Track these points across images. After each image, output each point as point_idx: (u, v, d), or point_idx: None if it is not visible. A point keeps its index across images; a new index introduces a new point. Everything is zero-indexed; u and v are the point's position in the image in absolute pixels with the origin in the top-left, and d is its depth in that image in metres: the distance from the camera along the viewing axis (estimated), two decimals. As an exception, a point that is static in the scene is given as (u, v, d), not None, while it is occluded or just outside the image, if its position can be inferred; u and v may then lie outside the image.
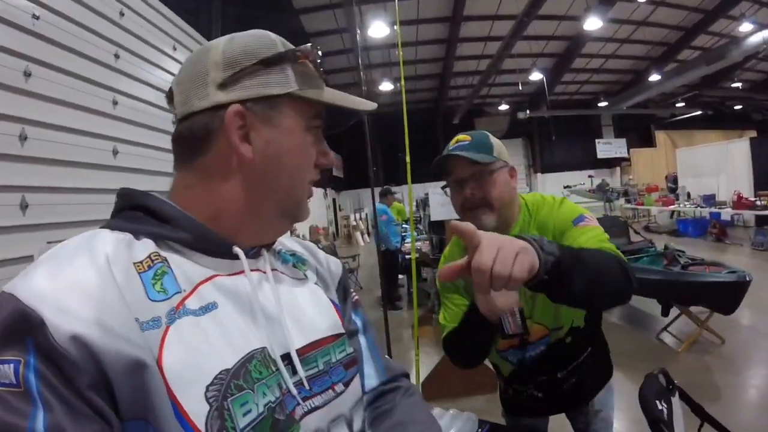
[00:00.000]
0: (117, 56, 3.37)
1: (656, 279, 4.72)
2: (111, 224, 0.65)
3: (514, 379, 1.71)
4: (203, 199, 0.69)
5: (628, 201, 17.11)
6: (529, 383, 1.67)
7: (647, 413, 1.44)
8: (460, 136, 1.49)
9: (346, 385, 0.77)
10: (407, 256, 7.76)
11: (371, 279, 9.68)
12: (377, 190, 6.29)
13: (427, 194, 4.72)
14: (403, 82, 3.37)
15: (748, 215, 11.67)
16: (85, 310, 0.52)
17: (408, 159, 3.52)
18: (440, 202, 4.50)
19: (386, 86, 17.60)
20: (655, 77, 17.63)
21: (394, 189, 9.11)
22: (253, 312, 0.67)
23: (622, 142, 25.20)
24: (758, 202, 11.02)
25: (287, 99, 0.70)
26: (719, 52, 14.63)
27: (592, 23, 12.77)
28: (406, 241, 8.42)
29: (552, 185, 23.24)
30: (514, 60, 16.94)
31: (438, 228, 5.33)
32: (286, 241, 0.90)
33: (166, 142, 0.77)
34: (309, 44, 0.73)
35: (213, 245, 0.68)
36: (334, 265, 0.96)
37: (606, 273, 1.16)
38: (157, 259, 0.62)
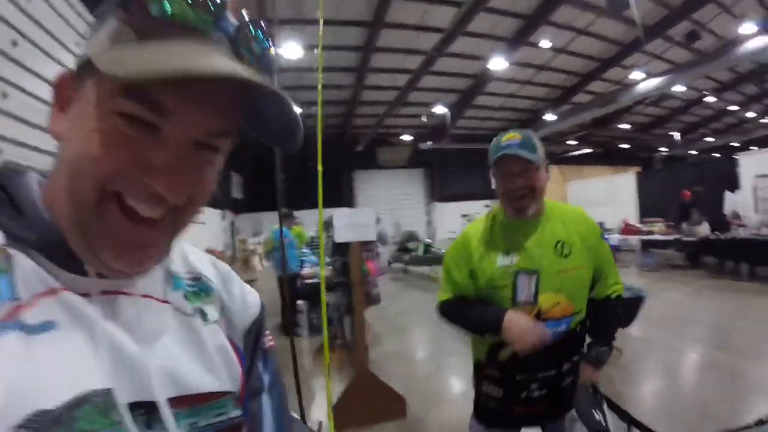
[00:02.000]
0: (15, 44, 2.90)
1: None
2: None
3: (514, 366, 1.74)
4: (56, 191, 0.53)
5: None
6: (534, 372, 1.75)
7: (589, 426, 1.62)
8: (511, 134, 1.75)
9: None
10: (306, 281, 7.58)
11: (269, 306, 9.16)
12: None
13: (331, 217, 4.57)
14: (320, 107, 3.26)
15: (635, 240, 12.89)
16: None
17: (320, 177, 3.42)
18: (346, 224, 4.34)
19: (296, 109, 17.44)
20: (551, 117, 18.89)
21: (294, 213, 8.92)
22: (104, 344, 0.51)
23: None
24: (643, 228, 12.56)
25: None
26: (610, 97, 16.11)
27: (497, 63, 13.44)
28: (304, 265, 8.27)
29: (450, 214, 24.03)
30: (420, 93, 17.41)
31: (343, 250, 5.17)
32: (192, 260, 0.70)
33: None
34: None
35: (61, 255, 0.52)
36: (251, 302, 0.75)
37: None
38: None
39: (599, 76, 18.29)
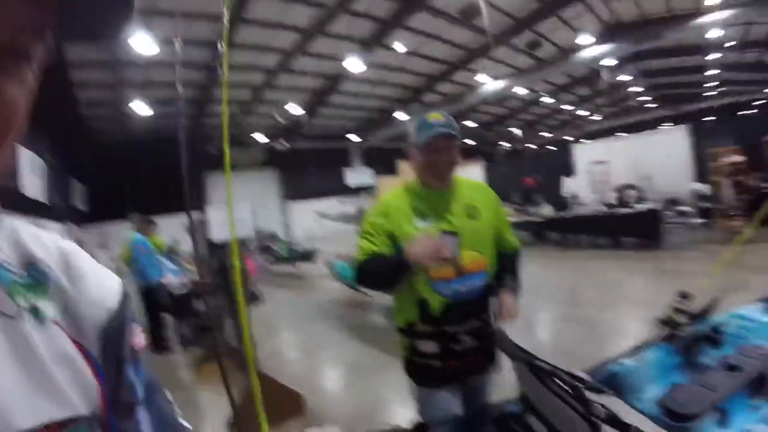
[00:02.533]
0: None
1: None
2: None
3: (445, 318, 1.89)
4: None
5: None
6: (462, 323, 1.91)
7: (514, 357, 1.77)
8: (436, 114, 1.93)
9: None
10: (173, 291, 7.00)
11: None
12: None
13: (197, 220, 4.19)
14: (225, 104, 2.99)
15: None
16: None
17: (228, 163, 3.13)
18: (223, 220, 4.07)
19: (142, 108, 16.32)
20: (402, 115, 19.68)
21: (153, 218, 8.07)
22: None
23: (369, 171, 27.12)
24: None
25: None
26: (458, 97, 17.23)
27: (354, 64, 13.67)
28: (165, 273, 7.55)
29: (306, 212, 24.12)
30: (276, 92, 17.18)
31: (218, 251, 4.86)
32: (24, 241, 0.52)
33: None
34: None
35: None
36: (107, 288, 0.57)
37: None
38: None
39: (448, 78, 19.59)
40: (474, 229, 1.93)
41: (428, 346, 1.93)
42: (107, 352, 0.53)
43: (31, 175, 13.25)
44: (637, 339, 2.47)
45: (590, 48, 14.87)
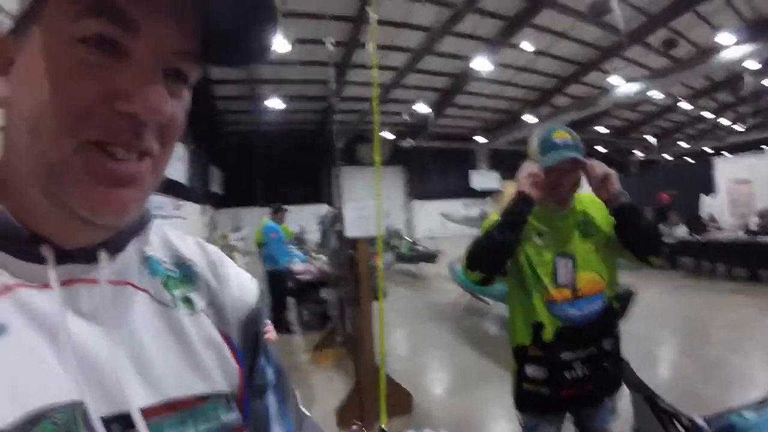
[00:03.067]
0: None
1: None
2: None
3: (559, 343, 1.80)
4: None
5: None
6: (577, 350, 1.80)
7: (640, 391, 1.71)
8: (561, 133, 1.87)
9: None
10: (300, 277, 7.47)
11: None
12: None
13: (337, 210, 4.44)
14: (376, 94, 3.13)
15: None
16: None
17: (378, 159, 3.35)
18: (356, 217, 4.27)
19: (276, 103, 17.27)
20: (531, 119, 19.09)
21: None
22: (66, 346, 0.42)
23: (496, 174, 26.92)
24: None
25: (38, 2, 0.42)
26: (589, 100, 16.28)
27: (481, 64, 13.53)
28: (294, 261, 8.10)
29: (428, 212, 23.98)
30: (403, 90, 17.41)
31: (348, 244, 5.09)
32: (174, 243, 0.61)
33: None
34: None
35: (9, 239, 0.44)
36: (248, 290, 0.65)
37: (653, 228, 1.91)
38: None
39: (579, 79, 18.61)
40: (588, 248, 1.86)
41: (538, 372, 1.84)
42: (246, 341, 0.61)
43: (174, 159, 14.76)
44: (765, 390, 2.18)
45: (731, 48, 13.31)
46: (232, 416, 0.53)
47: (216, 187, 22.92)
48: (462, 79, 18.06)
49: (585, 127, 23.46)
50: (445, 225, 20.64)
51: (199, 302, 0.57)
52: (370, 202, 4.49)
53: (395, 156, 24.73)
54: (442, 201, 24.78)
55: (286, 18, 12.33)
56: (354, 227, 4.28)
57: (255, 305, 0.64)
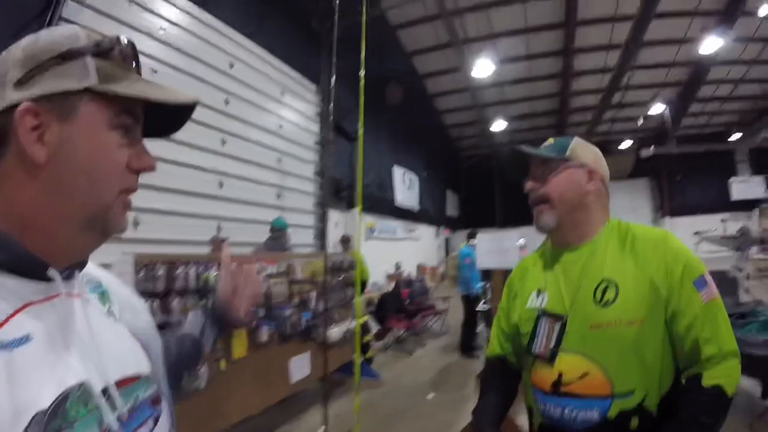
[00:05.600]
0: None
1: (761, 354, 3.81)
2: None
3: None
4: (3, 209, 0.63)
5: (765, 250, 13.62)
6: None
7: None
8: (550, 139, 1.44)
9: (155, 421, 0.74)
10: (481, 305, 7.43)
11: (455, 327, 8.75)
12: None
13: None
14: None
15: None
16: None
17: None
18: (487, 250, 4.21)
19: (500, 125, 17.30)
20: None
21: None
22: (70, 343, 0.63)
23: (761, 180, 21.19)
24: None
25: (87, 94, 0.64)
26: None
27: (711, 45, 11.61)
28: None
29: (682, 231, 21.02)
30: (634, 92, 15.83)
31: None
32: (91, 270, 0.81)
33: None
34: (114, 36, 0.69)
35: (25, 265, 0.62)
36: (138, 302, 0.90)
37: None
38: None
39: None
40: (595, 321, 1.21)
41: None
42: (142, 333, 0.83)
43: (404, 188, 15.89)
44: None
45: None
46: (154, 387, 0.76)
47: (452, 210, 23.84)
48: (696, 66, 15.11)
49: None
50: (699, 247, 17.67)
51: (116, 312, 0.80)
52: (510, 232, 4.40)
53: (637, 167, 21.80)
54: (698, 216, 21.24)
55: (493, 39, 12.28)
56: (485, 259, 4.22)
57: (145, 314, 0.89)
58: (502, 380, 1.47)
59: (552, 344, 1.25)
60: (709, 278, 1.20)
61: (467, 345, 7.42)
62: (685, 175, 20.59)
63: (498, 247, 4.16)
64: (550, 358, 1.24)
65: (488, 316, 6.91)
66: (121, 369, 0.69)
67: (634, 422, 1.15)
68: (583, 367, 1.19)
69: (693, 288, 1.17)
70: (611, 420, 1.16)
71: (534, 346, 1.29)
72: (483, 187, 23.27)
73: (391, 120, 14.24)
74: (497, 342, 1.50)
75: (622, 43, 12.09)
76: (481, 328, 7.65)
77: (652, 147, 18.98)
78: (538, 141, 1.50)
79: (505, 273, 4.26)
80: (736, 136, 20.16)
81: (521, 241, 4.91)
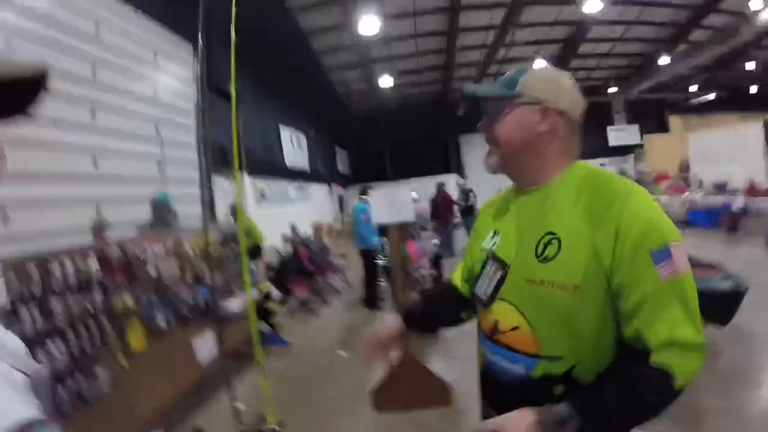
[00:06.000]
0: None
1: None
2: None
3: (482, 391, 1.32)
4: None
5: (640, 189, 16.28)
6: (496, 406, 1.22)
7: None
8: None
9: None
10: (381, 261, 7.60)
11: (357, 281, 9.03)
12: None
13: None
14: None
15: (765, 205, 10.77)
16: None
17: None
18: (383, 204, 4.30)
19: (387, 81, 17.33)
20: (665, 60, 17.00)
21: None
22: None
23: (635, 128, 24.35)
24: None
25: None
26: (729, 31, 14.01)
27: (592, 5, 12.36)
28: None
29: None
30: (518, 48, 16.44)
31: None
32: None
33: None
34: None
35: None
36: (14, 343, 0.78)
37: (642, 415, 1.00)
38: None
39: (715, 7, 15.15)
40: (531, 276, 1.13)
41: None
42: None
43: (292, 149, 15.57)
44: None
45: None
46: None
47: (343, 167, 23.79)
48: (578, 25, 16.17)
49: (733, 65, 19.84)
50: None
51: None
52: (402, 187, 4.38)
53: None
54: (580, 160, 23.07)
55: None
56: (379, 213, 4.20)
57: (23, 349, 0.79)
58: (439, 291, 1.56)
59: (490, 290, 1.21)
60: (676, 250, 1.01)
61: (371, 298, 7.60)
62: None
63: (392, 202, 4.16)
64: (487, 303, 1.23)
65: (387, 270, 7.05)
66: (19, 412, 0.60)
67: (559, 389, 1.09)
68: (515, 320, 1.15)
69: (648, 260, 0.99)
70: (534, 379, 1.11)
71: (478, 287, 1.27)
72: (372, 142, 23.40)
73: (275, 80, 13.72)
74: (457, 274, 1.53)
75: (507, 1, 12.60)
76: (382, 281, 7.81)
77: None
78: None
79: (399, 227, 4.35)
80: (613, 90, 22.02)
81: (413, 194, 4.97)
